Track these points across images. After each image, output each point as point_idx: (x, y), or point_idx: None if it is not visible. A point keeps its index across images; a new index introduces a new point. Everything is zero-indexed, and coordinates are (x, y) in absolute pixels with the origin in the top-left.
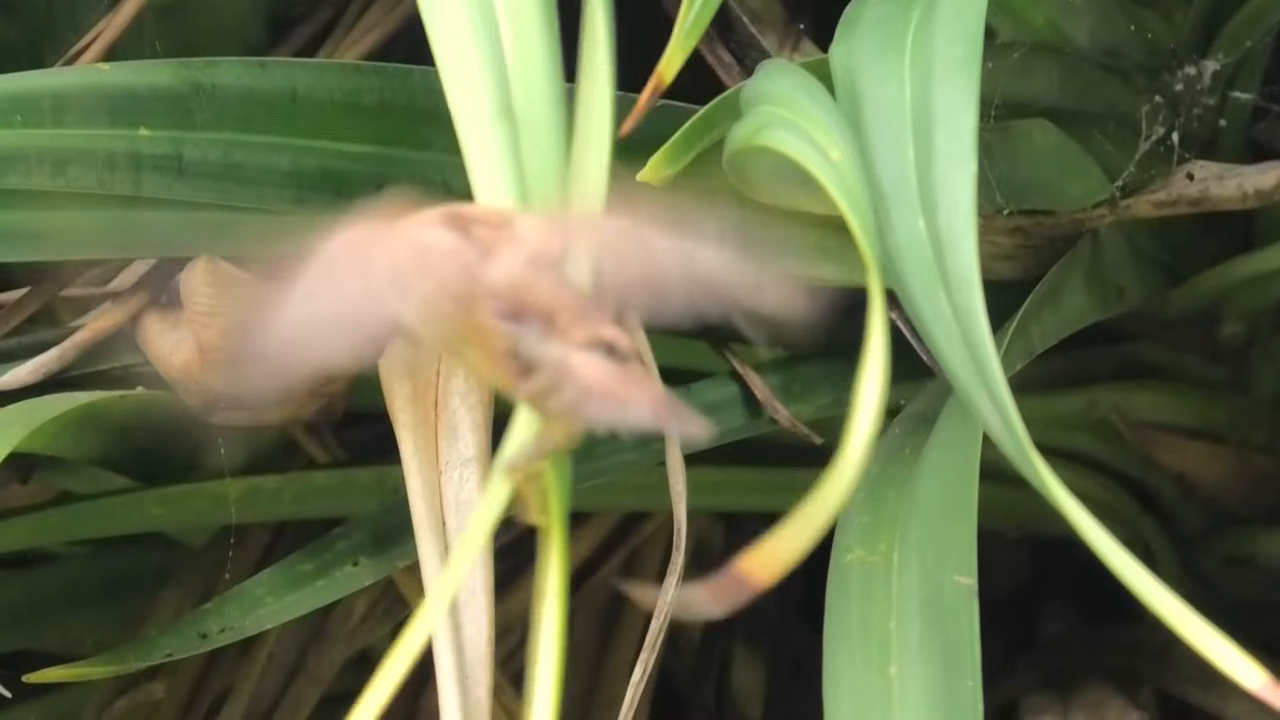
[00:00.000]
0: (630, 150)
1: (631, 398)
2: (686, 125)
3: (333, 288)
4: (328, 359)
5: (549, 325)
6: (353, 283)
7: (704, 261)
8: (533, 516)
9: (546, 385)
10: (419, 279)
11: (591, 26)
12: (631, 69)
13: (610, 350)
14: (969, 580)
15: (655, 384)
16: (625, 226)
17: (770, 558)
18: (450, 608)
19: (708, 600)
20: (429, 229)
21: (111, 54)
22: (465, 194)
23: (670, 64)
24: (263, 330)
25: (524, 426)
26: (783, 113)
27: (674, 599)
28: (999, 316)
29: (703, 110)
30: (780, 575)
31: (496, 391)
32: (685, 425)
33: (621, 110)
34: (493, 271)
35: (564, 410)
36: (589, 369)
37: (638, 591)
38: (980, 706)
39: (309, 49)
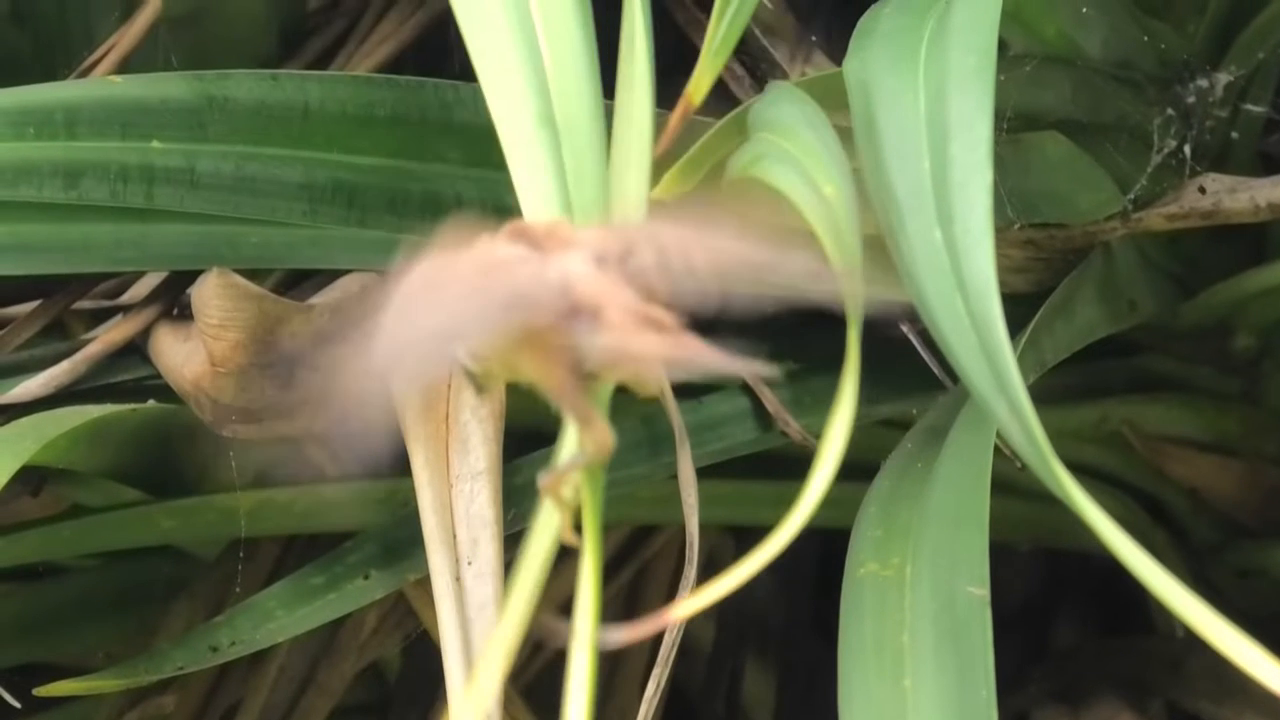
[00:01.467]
0: None
1: (682, 353)
2: (697, 145)
3: (414, 316)
4: (413, 385)
5: (599, 318)
6: (433, 309)
7: (752, 254)
8: (565, 535)
9: (598, 375)
10: (490, 291)
11: (630, 39)
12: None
13: (656, 324)
14: (982, 590)
15: (698, 342)
16: (677, 229)
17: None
18: (460, 621)
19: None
20: (495, 246)
21: (124, 66)
22: (475, 207)
23: (699, 86)
24: (355, 361)
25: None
26: (783, 144)
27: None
28: (1011, 329)
29: (713, 130)
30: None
31: (509, 404)
32: (729, 365)
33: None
34: (549, 273)
35: (595, 411)
36: (639, 343)
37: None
38: (995, 717)
39: (322, 62)
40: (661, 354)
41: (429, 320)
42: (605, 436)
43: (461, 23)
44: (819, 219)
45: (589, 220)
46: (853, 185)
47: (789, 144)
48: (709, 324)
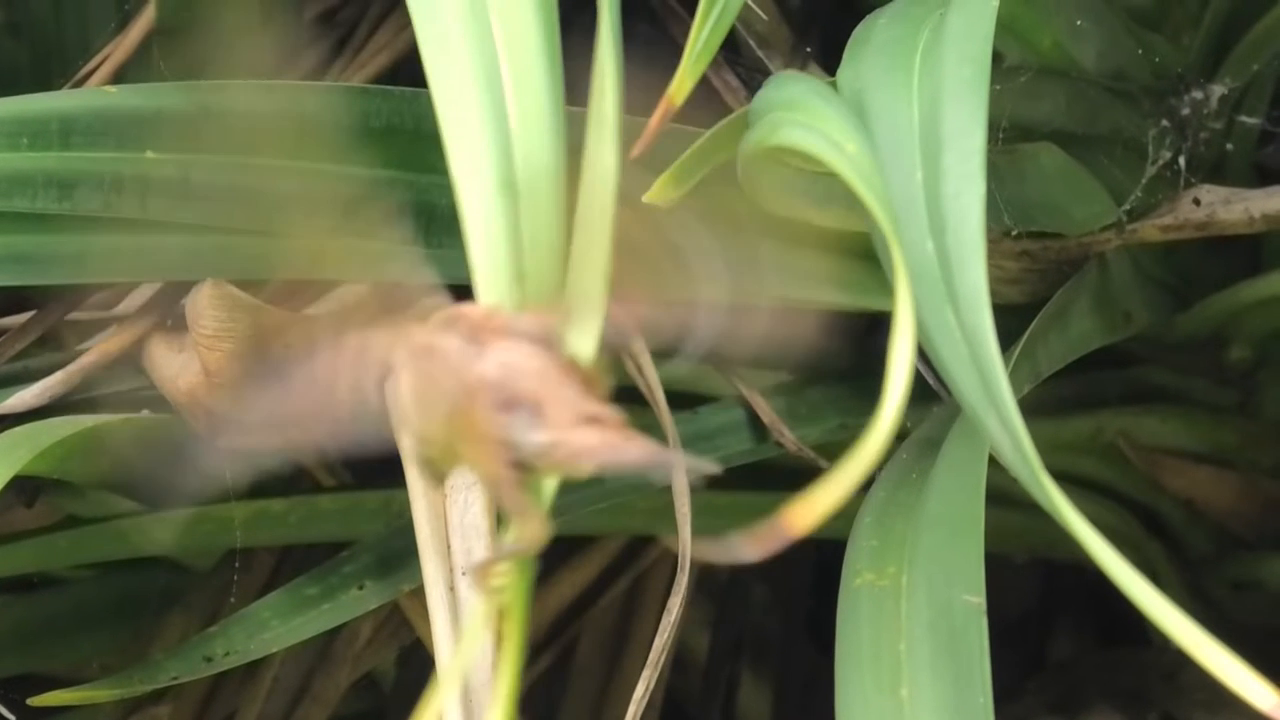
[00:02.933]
0: (637, 174)
1: (619, 451)
2: (694, 146)
3: (331, 378)
4: (303, 440)
5: (538, 413)
6: (348, 377)
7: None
8: (495, 622)
9: (533, 469)
10: (420, 381)
11: (599, 103)
12: (638, 92)
13: (597, 421)
14: (978, 599)
15: (639, 439)
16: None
17: (810, 509)
18: (455, 632)
19: (744, 546)
20: (430, 333)
21: (119, 76)
22: None
23: (680, 88)
24: (257, 397)
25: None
26: (796, 115)
27: (678, 620)
28: (1005, 340)
29: (710, 131)
30: (817, 525)
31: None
32: (676, 464)
33: (631, 134)
34: (486, 364)
35: (531, 502)
36: (579, 441)
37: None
38: None
39: (317, 72)
40: (599, 453)
41: (334, 388)
42: (539, 528)
43: (430, 79)
44: (851, 173)
45: (543, 289)
46: (872, 145)
47: (802, 115)
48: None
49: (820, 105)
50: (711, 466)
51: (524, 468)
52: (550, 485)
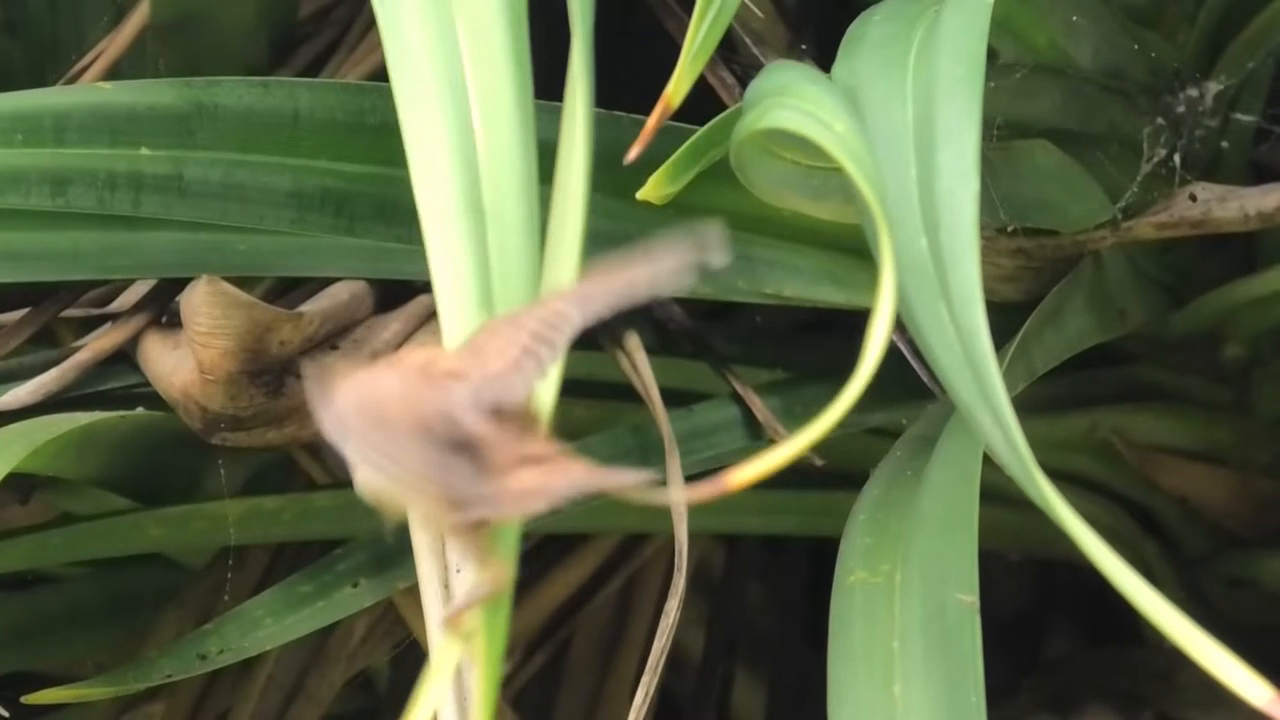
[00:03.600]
0: (633, 171)
1: (559, 485)
2: (688, 142)
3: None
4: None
5: (478, 463)
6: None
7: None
8: (474, 662)
9: (482, 517)
10: (365, 439)
11: (571, 127)
12: (636, 90)
13: (534, 460)
14: (971, 597)
15: (575, 465)
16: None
17: (753, 468)
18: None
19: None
20: (373, 379)
21: (113, 73)
22: None
23: (678, 87)
24: None
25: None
26: (786, 99)
27: (675, 620)
28: (1001, 338)
29: (704, 128)
30: (755, 481)
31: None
32: (617, 482)
33: (629, 132)
34: (425, 416)
35: (490, 550)
36: (518, 484)
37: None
38: None
39: (311, 69)
40: (543, 492)
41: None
42: (501, 572)
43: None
44: (840, 150)
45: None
46: (861, 124)
47: (793, 99)
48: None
49: (810, 88)
50: (647, 475)
51: (474, 518)
52: (510, 529)
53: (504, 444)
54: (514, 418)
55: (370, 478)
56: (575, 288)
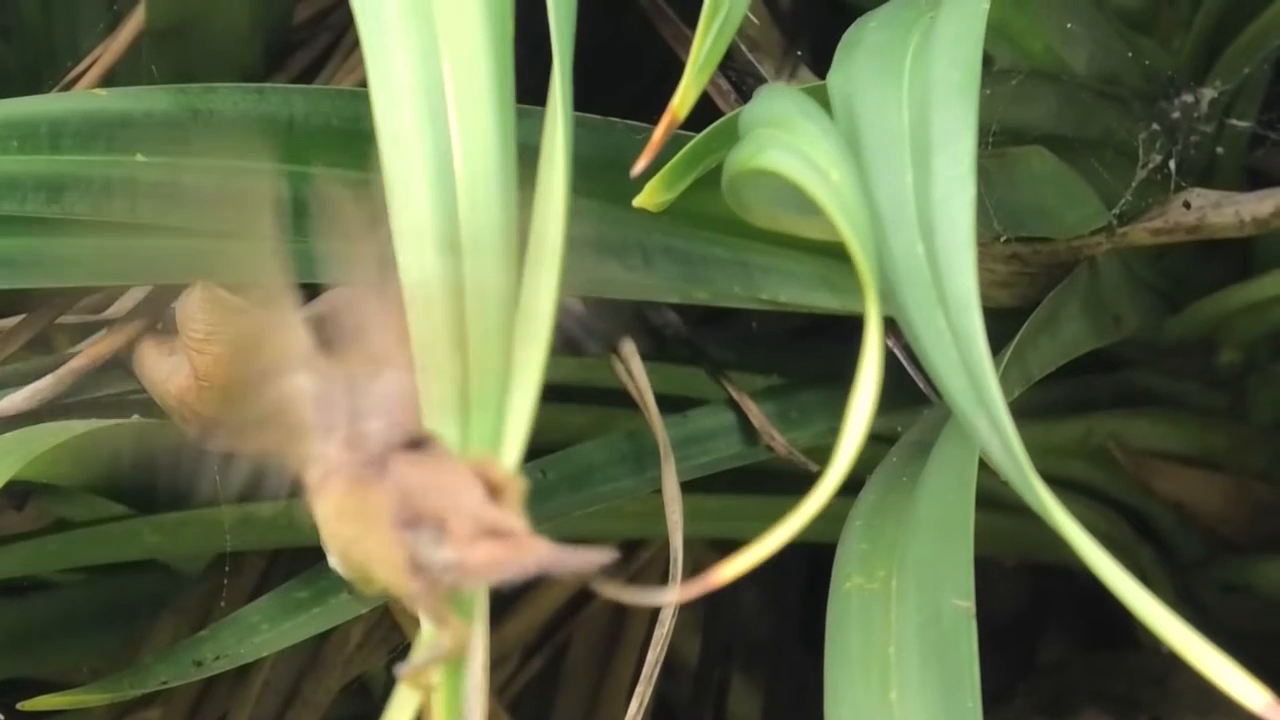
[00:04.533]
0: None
1: (521, 562)
2: (684, 150)
3: None
4: None
5: (441, 529)
6: None
7: None
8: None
9: (442, 584)
10: (329, 509)
11: (552, 140)
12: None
13: (497, 531)
14: (967, 603)
15: (539, 544)
16: None
17: (740, 560)
18: None
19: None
20: (333, 459)
21: (109, 79)
22: None
23: (685, 99)
24: None
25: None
26: (781, 135)
27: (671, 625)
28: (996, 344)
29: (700, 135)
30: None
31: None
32: (580, 564)
33: (625, 139)
34: (387, 484)
35: (450, 613)
36: (478, 555)
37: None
38: None
39: (307, 75)
40: (505, 566)
41: None
42: (462, 633)
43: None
44: (832, 204)
45: (486, 353)
46: (856, 169)
47: (789, 136)
48: (698, 341)
49: (808, 127)
50: (607, 554)
51: (435, 582)
52: (474, 593)
53: (465, 513)
54: (476, 485)
55: (333, 547)
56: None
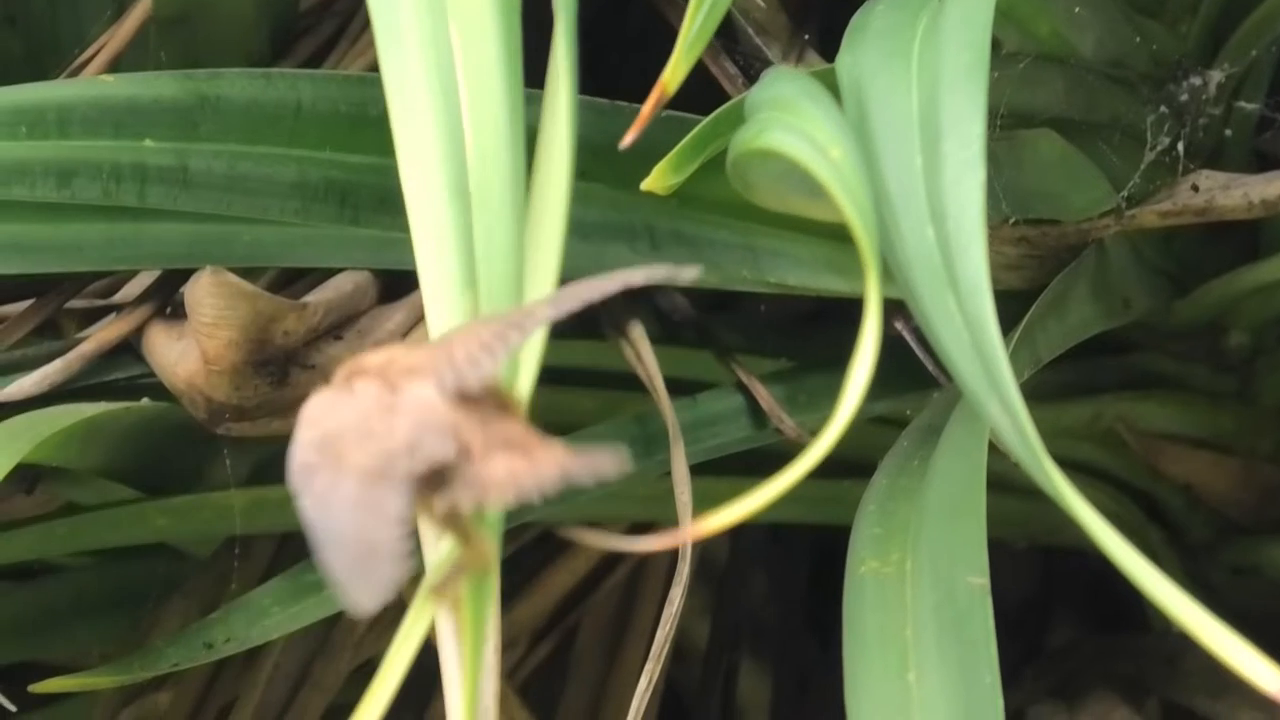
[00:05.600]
0: (638, 163)
1: (537, 474)
2: (691, 134)
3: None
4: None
5: (452, 454)
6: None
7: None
8: (462, 634)
9: (462, 503)
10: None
11: (553, 113)
12: (636, 80)
13: (509, 444)
14: (982, 580)
15: (553, 450)
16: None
17: (725, 514)
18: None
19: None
20: (341, 391)
21: (116, 66)
22: None
23: (674, 74)
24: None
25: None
26: (785, 117)
27: (679, 610)
28: (1005, 326)
29: (707, 119)
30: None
31: None
32: (596, 467)
33: (626, 120)
34: (397, 421)
35: (478, 528)
36: (496, 470)
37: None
38: (1000, 702)
39: (313, 61)
40: (521, 478)
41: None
42: (485, 546)
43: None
44: (832, 180)
45: (497, 293)
46: (857, 149)
47: (791, 117)
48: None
49: (810, 107)
50: (619, 454)
51: (455, 502)
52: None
53: (474, 435)
54: (491, 402)
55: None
56: (549, 295)
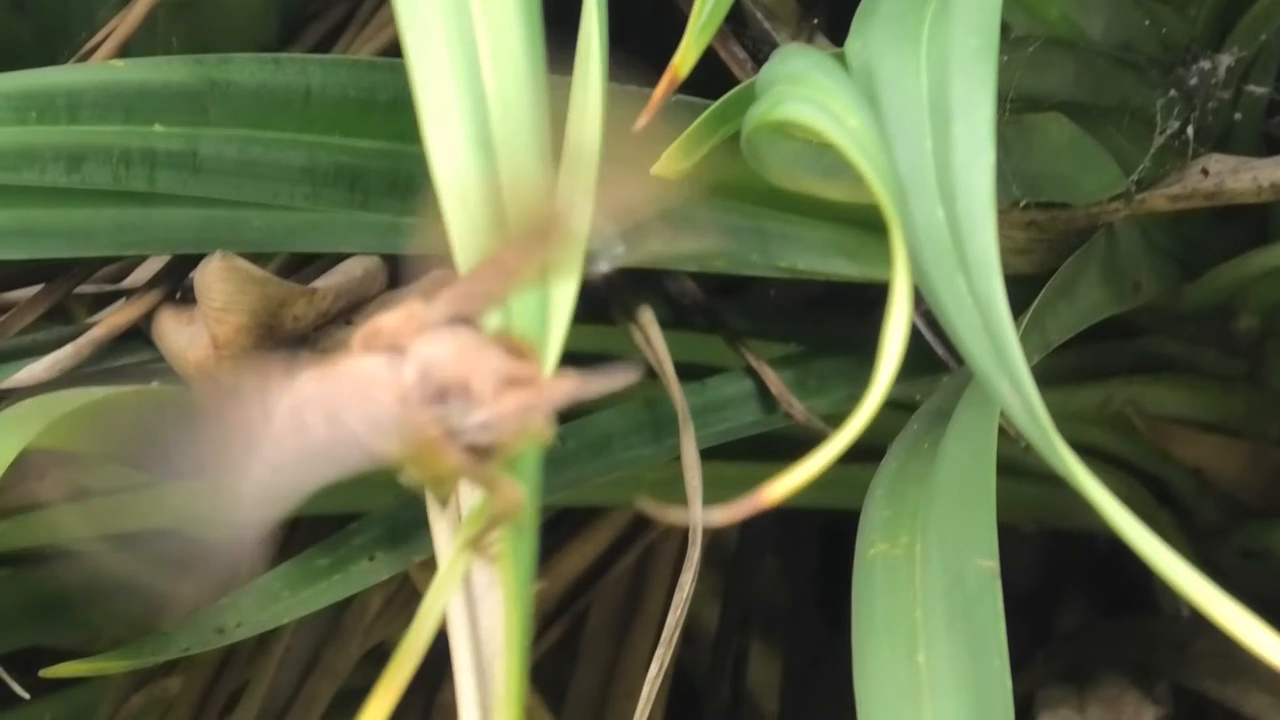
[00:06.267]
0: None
1: (547, 399)
2: (701, 117)
3: (294, 433)
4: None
5: (466, 394)
6: (312, 426)
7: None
8: (504, 584)
9: (481, 448)
10: (364, 413)
11: (586, 64)
12: (647, 66)
13: (520, 382)
14: (991, 563)
15: (557, 381)
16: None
17: (786, 482)
18: (467, 602)
19: (718, 514)
20: (356, 361)
21: (125, 51)
22: None
23: (685, 59)
24: (241, 473)
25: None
26: (798, 89)
27: (690, 593)
28: (1015, 310)
29: (718, 102)
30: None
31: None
32: (601, 385)
33: (636, 105)
34: (408, 369)
35: (499, 475)
36: (507, 406)
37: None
38: (1009, 684)
39: (323, 46)
40: (534, 408)
41: (303, 443)
42: (514, 494)
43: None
44: (851, 147)
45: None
46: (873, 118)
47: (805, 89)
48: (716, 310)
49: (824, 79)
50: (631, 371)
51: (476, 449)
52: (523, 452)
53: (485, 372)
54: (505, 348)
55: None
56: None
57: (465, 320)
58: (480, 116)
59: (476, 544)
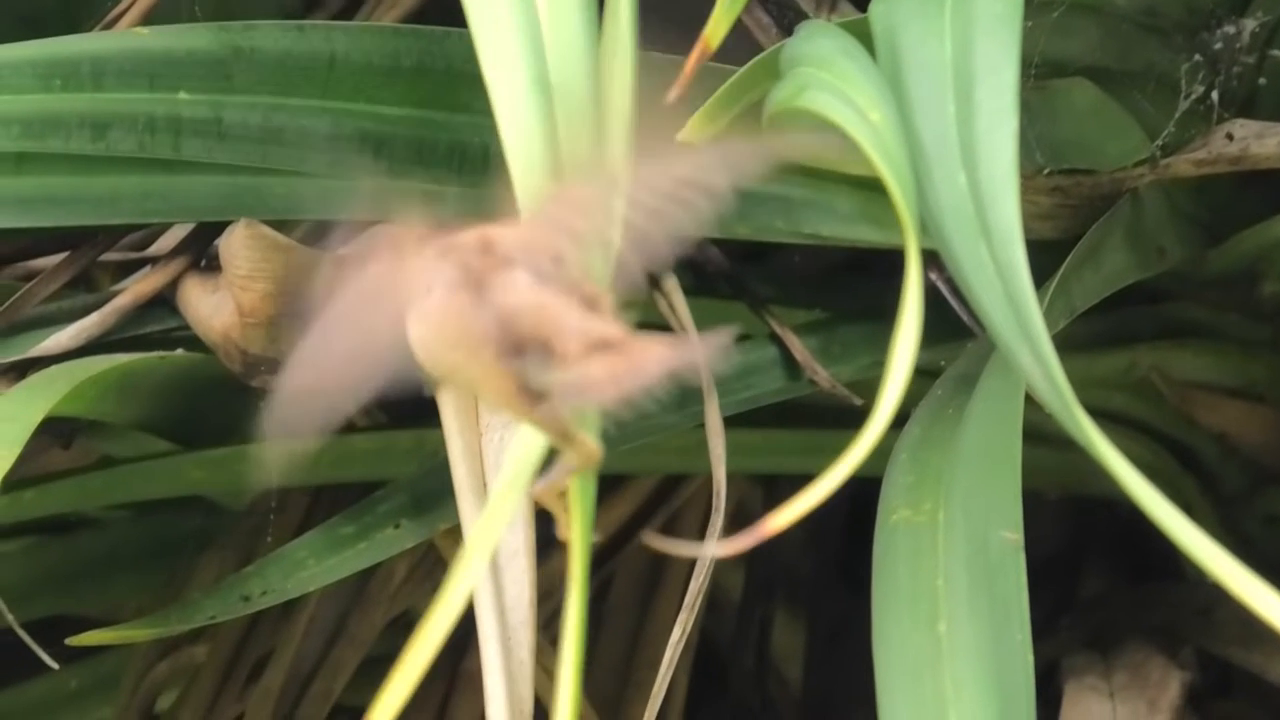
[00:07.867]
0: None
1: (639, 373)
2: (726, 85)
3: (351, 328)
4: (351, 389)
5: (549, 351)
6: (368, 326)
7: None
8: (563, 533)
9: (562, 407)
10: (430, 332)
11: (615, 29)
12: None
13: (606, 345)
14: (1015, 534)
15: (656, 346)
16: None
17: (791, 510)
18: (492, 569)
19: (720, 546)
20: (428, 268)
21: (150, 18)
22: (500, 156)
23: (716, 29)
24: (292, 365)
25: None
26: (823, 75)
27: (713, 562)
28: (1039, 276)
29: (742, 70)
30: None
31: None
32: (699, 359)
33: (667, 75)
34: (487, 311)
35: (578, 428)
36: (597, 371)
37: (677, 549)
38: (1030, 658)
39: (346, 12)
40: (626, 377)
41: (357, 339)
42: (589, 447)
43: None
44: (871, 144)
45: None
46: (895, 109)
47: (829, 75)
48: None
49: (848, 66)
50: (731, 334)
51: (554, 405)
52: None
53: (569, 331)
54: (576, 299)
55: (438, 370)
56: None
57: (540, 265)
58: (538, 59)
59: (547, 490)
